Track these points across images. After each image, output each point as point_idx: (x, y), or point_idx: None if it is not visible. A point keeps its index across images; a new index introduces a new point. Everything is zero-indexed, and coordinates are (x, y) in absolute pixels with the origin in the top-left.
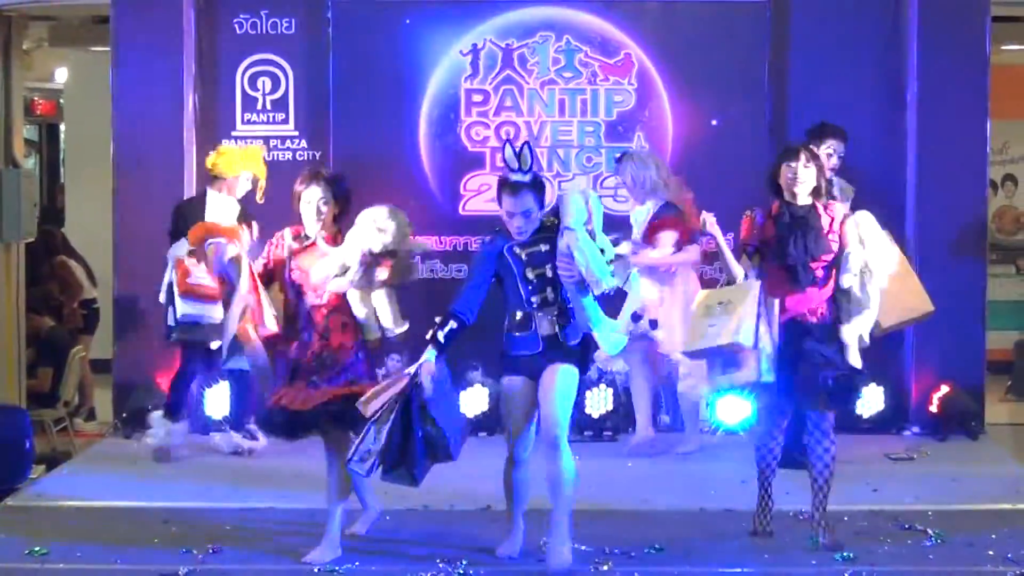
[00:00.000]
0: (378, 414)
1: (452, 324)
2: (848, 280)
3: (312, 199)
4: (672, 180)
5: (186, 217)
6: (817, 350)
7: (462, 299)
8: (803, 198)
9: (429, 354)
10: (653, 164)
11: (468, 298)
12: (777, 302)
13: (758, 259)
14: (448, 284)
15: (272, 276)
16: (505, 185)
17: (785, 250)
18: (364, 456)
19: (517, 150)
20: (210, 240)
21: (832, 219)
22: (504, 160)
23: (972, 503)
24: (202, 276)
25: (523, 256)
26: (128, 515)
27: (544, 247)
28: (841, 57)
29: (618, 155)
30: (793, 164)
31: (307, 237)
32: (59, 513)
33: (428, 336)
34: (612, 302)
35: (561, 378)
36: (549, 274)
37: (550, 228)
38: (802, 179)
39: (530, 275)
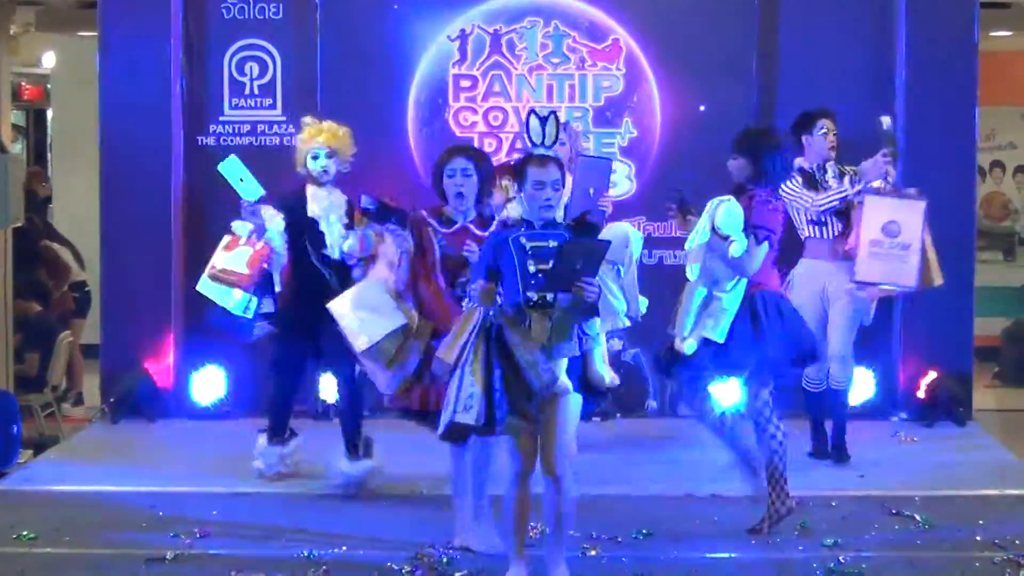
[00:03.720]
0: (463, 359)
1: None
2: None
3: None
4: None
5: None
6: None
7: None
8: None
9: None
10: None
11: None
12: None
13: None
14: None
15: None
16: (531, 159)
17: None
18: (468, 404)
19: (543, 117)
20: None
21: None
22: (527, 131)
23: (959, 489)
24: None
25: (528, 248)
26: (115, 500)
27: (553, 243)
28: (829, 43)
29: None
30: None
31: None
32: (46, 498)
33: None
34: None
35: (571, 410)
36: None
37: (563, 227)
38: None
39: (531, 268)
